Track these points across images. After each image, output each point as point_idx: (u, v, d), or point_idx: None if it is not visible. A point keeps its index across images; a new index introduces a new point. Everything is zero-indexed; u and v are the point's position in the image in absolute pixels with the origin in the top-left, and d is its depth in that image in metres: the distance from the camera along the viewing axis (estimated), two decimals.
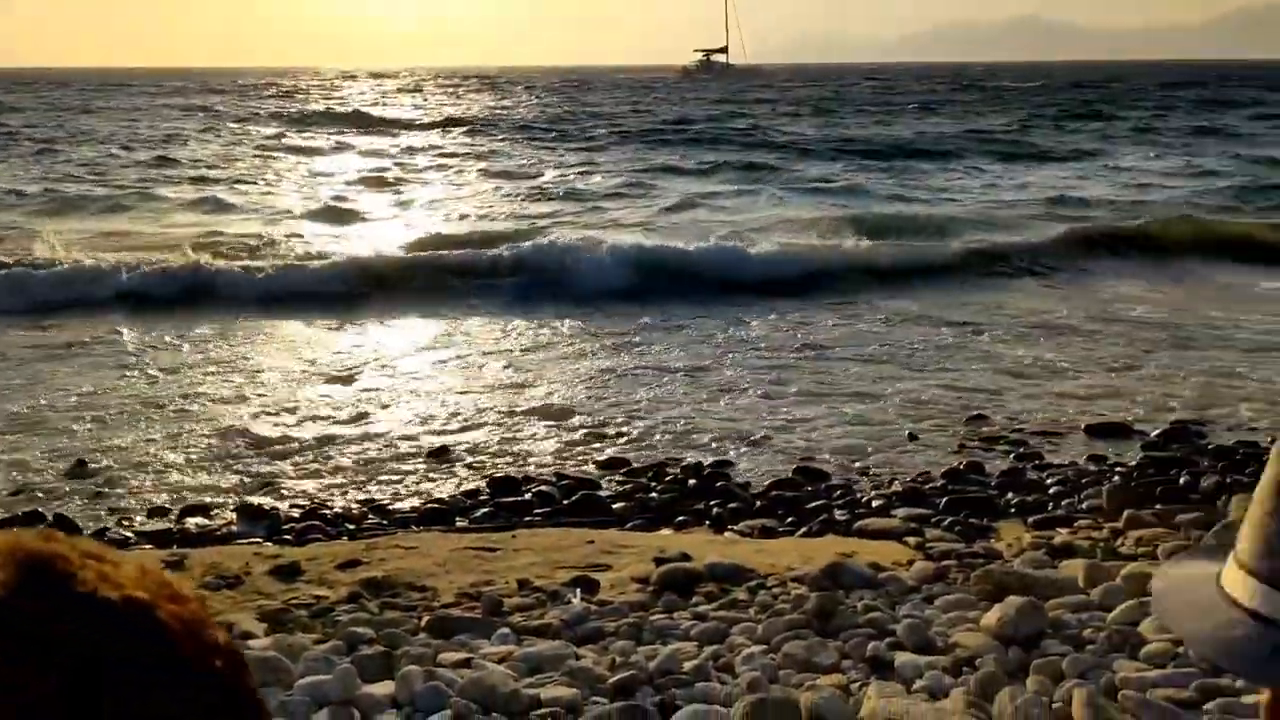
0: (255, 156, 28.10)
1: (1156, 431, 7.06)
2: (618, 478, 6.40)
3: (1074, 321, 10.68)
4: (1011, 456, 6.70)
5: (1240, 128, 35.08)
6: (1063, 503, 5.75)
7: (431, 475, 6.54)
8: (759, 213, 18.51)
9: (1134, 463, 6.45)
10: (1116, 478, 6.06)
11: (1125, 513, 5.24)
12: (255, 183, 22.79)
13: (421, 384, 8.64)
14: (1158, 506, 5.49)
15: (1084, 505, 5.65)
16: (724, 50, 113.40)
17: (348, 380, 8.67)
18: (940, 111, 46.42)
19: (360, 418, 7.62)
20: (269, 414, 7.66)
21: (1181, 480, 5.95)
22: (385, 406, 7.92)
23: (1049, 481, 6.11)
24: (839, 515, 5.68)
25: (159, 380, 8.59)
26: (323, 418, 7.63)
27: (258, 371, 8.91)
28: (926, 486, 6.11)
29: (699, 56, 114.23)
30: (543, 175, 24.07)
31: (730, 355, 9.43)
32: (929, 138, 32.13)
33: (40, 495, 6.14)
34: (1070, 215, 17.41)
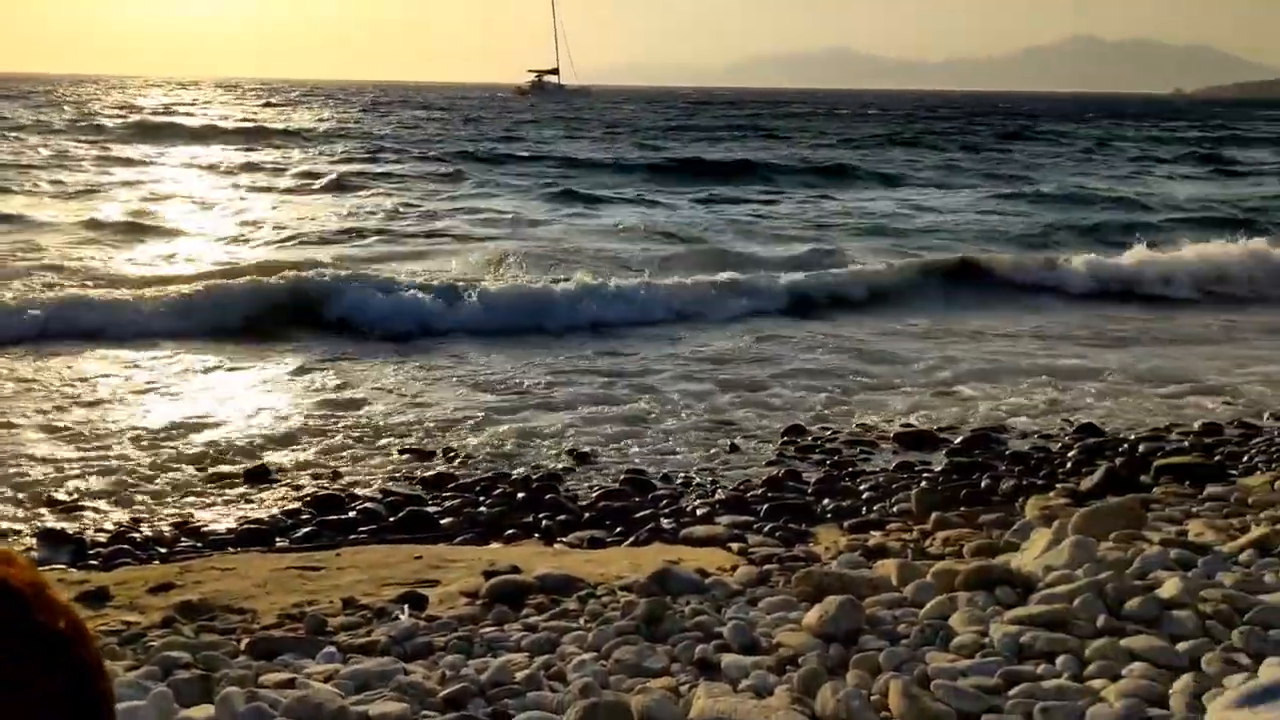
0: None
1: (960, 439, 7.47)
2: (445, 493, 6.33)
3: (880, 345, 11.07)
4: (826, 465, 6.97)
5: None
6: (875, 507, 6.02)
7: (249, 496, 6.31)
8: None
9: (939, 468, 6.82)
10: (924, 483, 6.39)
11: (933, 515, 5.52)
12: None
13: (234, 405, 8.32)
14: (962, 509, 5.82)
15: (895, 509, 5.94)
16: (555, 71, 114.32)
17: (150, 402, 8.28)
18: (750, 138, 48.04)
19: (170, 439, 7.29)
20: (67, 438, 7.24)
21: (982, 484, 6.33)
22: (196, 429, 7.58)
23: (862, 488, 6.39)
24: (665, 524, 5.78)
25: None
26: (129, 440, 7.25)
27: (54, 395, 8.38)
28: (748, 495, 6.28)
29: (532, 77, 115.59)
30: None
31: (550, 376, 9.42)
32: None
33: None
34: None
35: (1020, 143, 47.61)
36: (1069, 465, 6.74)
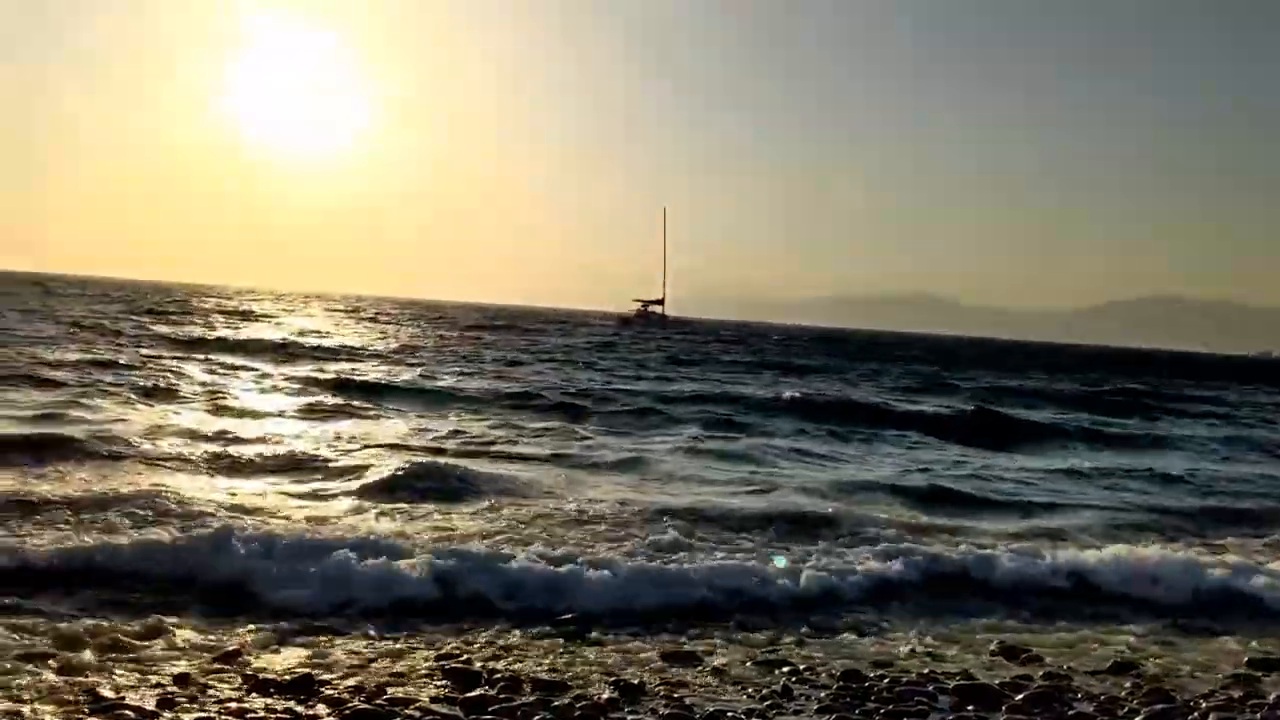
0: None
1: (1021, 696, 7.17)
2: (486, 716, 6.21)
3: None
4: (879, 715, 6.72)
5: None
6: None
7: (292, 709, 6.28)
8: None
9: None
10: None
11: None
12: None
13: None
14: None
15: None
16: (660, 301, 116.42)
17: None
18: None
19: None
20: None
21: None
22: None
23: None
24: None
25: None
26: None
27: None
28: None
29: (637, 305, 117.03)
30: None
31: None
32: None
33: None
34: None
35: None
36: None
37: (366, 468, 14.34)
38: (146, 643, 7.29)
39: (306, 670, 6.88)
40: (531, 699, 6.63)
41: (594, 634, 8.30)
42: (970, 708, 6.97)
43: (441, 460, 15.20)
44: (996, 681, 7.55)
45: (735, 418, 25.07)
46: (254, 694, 6.44)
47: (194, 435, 16.18)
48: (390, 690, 6.63)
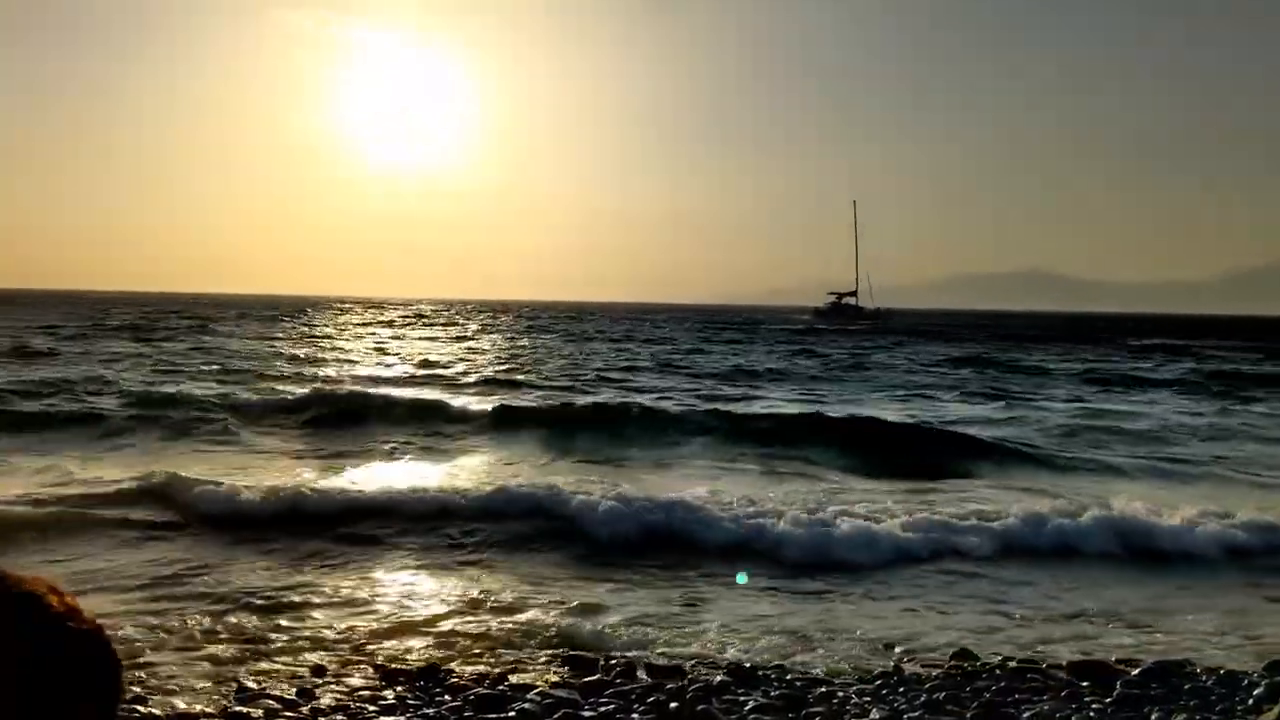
0: None
1: (1137, 671, 7.14)
2: (602, 699, 6.47)
3: None
4: (990, 691, 6.76)
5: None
6: None
7: (420, 694, 6.62)
8: None
9: (1109, 700, 6.53)
10: (1091, 715, 6.13)
11: None
12: None
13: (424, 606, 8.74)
14: None
15: None
16: (854, 294, 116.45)
17: None
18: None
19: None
20: None
21: (1153, 717, 6.03)
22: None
23: (1025, 716, 6.17)
24: None
25: None
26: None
27: None
28: (904, 718, 6.16)
29: (831, 298, 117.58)
30: None
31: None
32: None
33: None
34: None
35: None
36: (1250, 701, 6.34)
37: None
38: None
39: None
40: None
41: None
42: None
43: None
44: None
45: None
46: None
47: None
48: None
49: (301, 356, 37.72)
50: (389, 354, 41.29)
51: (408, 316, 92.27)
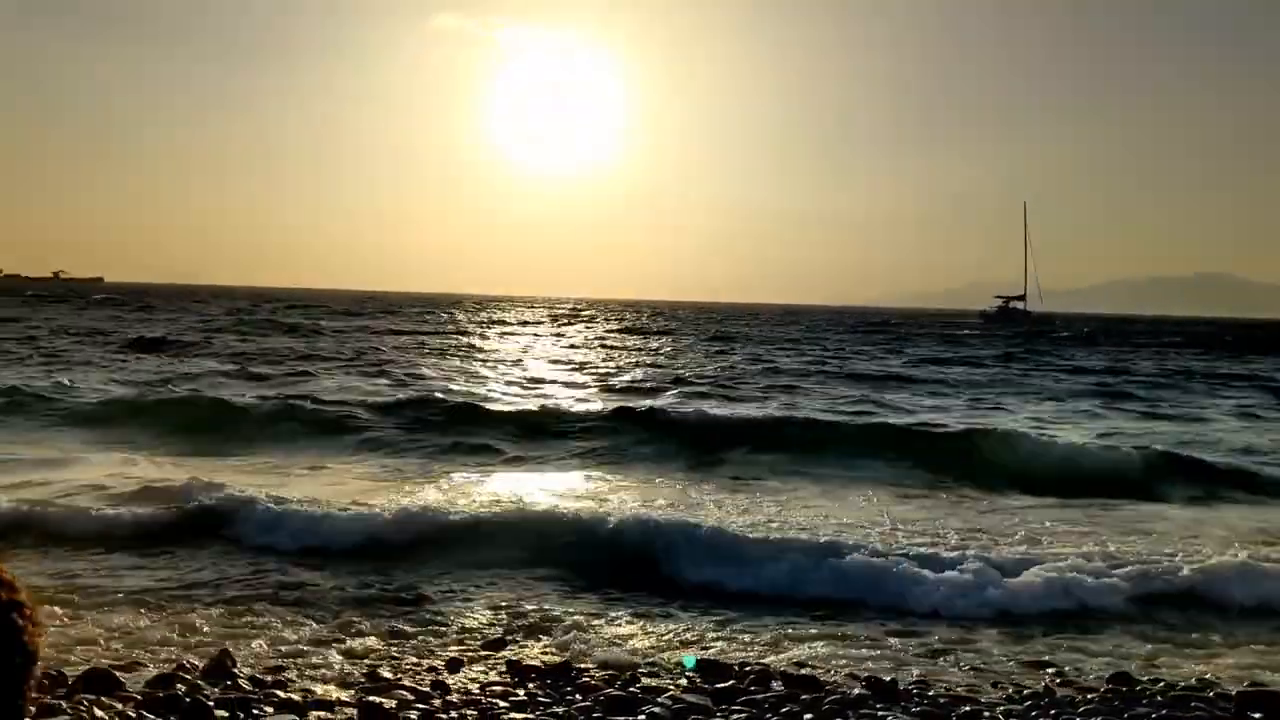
0: None
1: None
2: (735, 706, 6.32)
3: None
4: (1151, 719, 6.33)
5: None
6: None
7: (549, 692, 6.59)
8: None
9: None
10: None
11: None
12: None
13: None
14: None
15: None
16: (1022, 298, 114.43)
17: None
18: None
19: None
20: None
21: None
22: None
23: None
24: None
25: None
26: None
27: None
28: None
29: (998, 302, 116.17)
30: None
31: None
32: None
33: None
34: None
35: None
36: None
37: None
38: None
39: None
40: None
41: None
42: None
43: None
44: None
45: None
46: None
47: None
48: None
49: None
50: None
51: (566, 318, 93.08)
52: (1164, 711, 6.49)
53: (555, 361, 38.80)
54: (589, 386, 28.93)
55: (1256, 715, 6.46)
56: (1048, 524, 12.47)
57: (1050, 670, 7.51)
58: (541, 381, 30.07)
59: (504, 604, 8.75)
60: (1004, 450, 17.63)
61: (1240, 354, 60.31)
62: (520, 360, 38.99)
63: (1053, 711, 6.52)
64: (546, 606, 8.73)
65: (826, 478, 15.64)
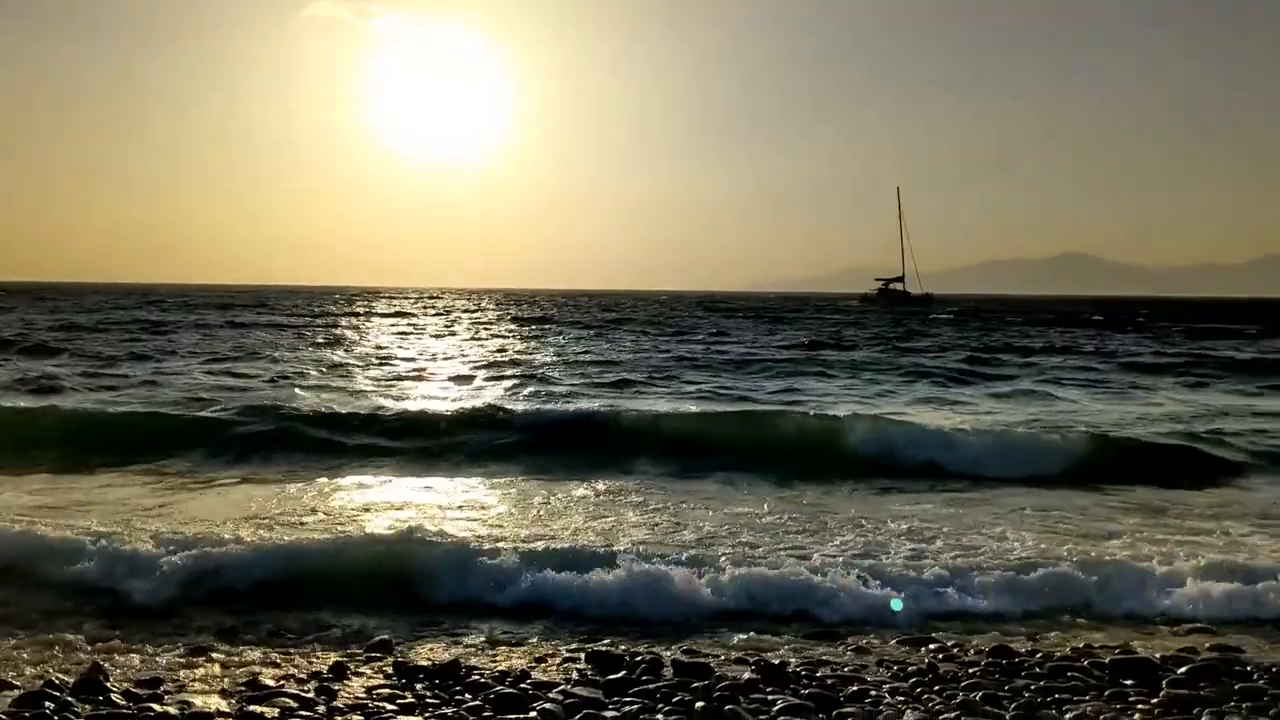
0: None
1: (1184, 669, 6.86)
2: (627, 698, 6.28)
3: None
4: (1029, 690, 6.52)
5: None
6: None
7: (434, 694, 6.47)
8: None
9: (1156, 702, 6.26)
10: (1136, 718, 5.88)
11: None
12: None
13: None
14: None
15: None
16: (901, 280, 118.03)
17: None
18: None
19: None
20: None
21: None
22: None
23: (1067, 718, 5.93)
24: None
25: None
26: None
27: None
28: (939, 719, 5.94)
29: (879, 285, 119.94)
30: None
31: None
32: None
33: None
34: None
35: None
36: None
37: None
38: None
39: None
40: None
41: None
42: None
43: None
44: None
45: None
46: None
47: None
48: None
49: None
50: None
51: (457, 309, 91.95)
52: (1042, 682, 6.70)
53: (385, 358, 36.75)
54: (429, 380, 28.30)
55: (1129, 681, 6.72)
56: (893, 523, 12.78)
57: (933, 646, 7.68)
58: (351, 372, 29.31)
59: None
60: (851, 437, 17.40)
61: (1102, 330, 63.22)
62: (356, 353, 38.10)
63: (936, 687, 6.66)
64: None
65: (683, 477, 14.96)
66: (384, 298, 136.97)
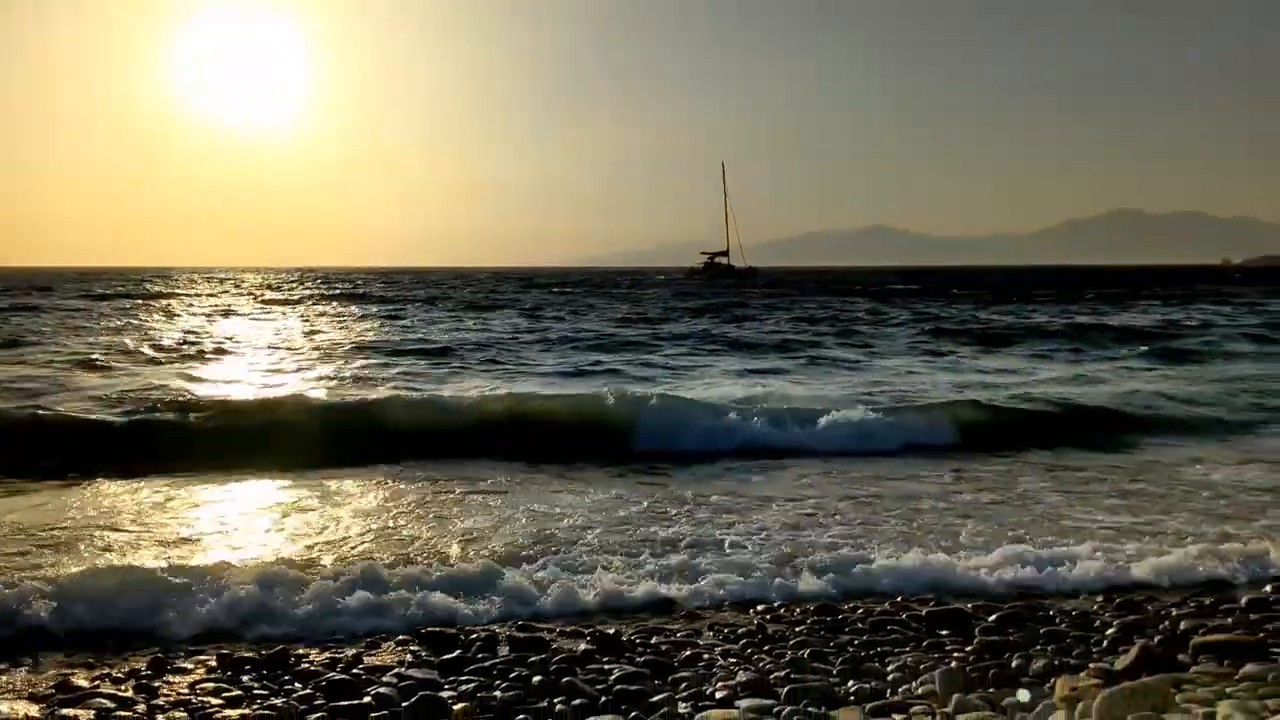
0: None
1: (994, 617, 7.28)
2: (463, 677, 6.23)
3: None
4: (854, 645, 6.79)
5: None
6: (900, 689, 5.82)
7: (264, 684, 6.27)
8: None
9: (971, 649, 6.61)
10: (953, 663, 6.19)
11: (954, 697, 5.33)
12: None
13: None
14: (991, 689, 5.61)
15: (920, 691, 5.73)
16: (725, 254, 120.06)
17: None
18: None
19: None
20: None
21: (1013, 664, 6.11)
22: None
23: (890, 668, 6.20)
24: (682, 709, 5.63)
25: None
26: None
27: None
28: (771, 677, 6.12)
29: (704, 259, 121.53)
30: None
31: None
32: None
33: None
34: None
35: None
36: (1105, 644, 6.51)
37: None
38: None
39: None
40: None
41: None
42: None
43: None
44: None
45: None
46: None
47: None
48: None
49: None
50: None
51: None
52: (865, 637, 6.99)
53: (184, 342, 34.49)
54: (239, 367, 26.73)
55: (945, 631, 7.09)
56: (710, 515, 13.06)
57: (761, 608, 7.90)
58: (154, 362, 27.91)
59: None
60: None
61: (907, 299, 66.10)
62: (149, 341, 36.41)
63: (766, 647, 6.86)
64: None
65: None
66: (169, 279, 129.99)
